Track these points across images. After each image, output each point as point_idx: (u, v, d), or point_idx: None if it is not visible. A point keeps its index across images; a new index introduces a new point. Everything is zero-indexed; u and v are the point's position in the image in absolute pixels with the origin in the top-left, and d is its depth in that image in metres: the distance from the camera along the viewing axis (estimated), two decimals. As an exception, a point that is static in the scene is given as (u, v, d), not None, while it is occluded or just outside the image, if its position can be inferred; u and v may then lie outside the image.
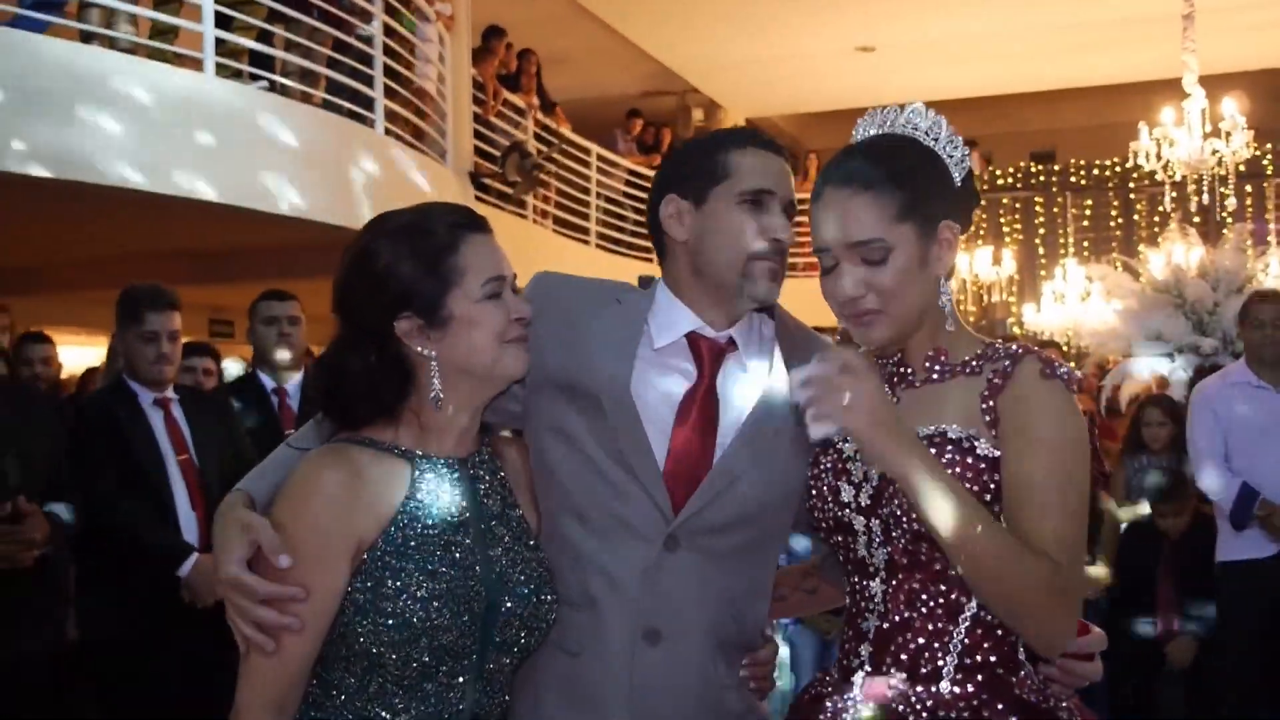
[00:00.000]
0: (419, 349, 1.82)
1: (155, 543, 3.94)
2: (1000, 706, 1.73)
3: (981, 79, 13.46)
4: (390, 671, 1.76)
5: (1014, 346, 1.83)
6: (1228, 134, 9.37)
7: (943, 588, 1.77)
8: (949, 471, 1.71)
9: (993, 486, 1.74)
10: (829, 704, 1.84)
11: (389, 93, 7.69)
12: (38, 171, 5.16)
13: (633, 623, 1.89)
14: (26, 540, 3.39)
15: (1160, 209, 11.54)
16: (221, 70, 6.22)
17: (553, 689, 1.91)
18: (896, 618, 1.79)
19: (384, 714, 1.77)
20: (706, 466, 1.92)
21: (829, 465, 1.89)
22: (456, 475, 1.86)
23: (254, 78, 6.61)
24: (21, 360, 5.30)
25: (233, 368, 5.89)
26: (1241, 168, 10.20)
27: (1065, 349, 11.16)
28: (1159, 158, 9.54)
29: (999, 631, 1.76)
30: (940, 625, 1.77)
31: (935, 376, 1.84)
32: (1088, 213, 14.31)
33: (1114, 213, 14.18)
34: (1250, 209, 12.51)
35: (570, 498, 1.93)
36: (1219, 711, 4.99)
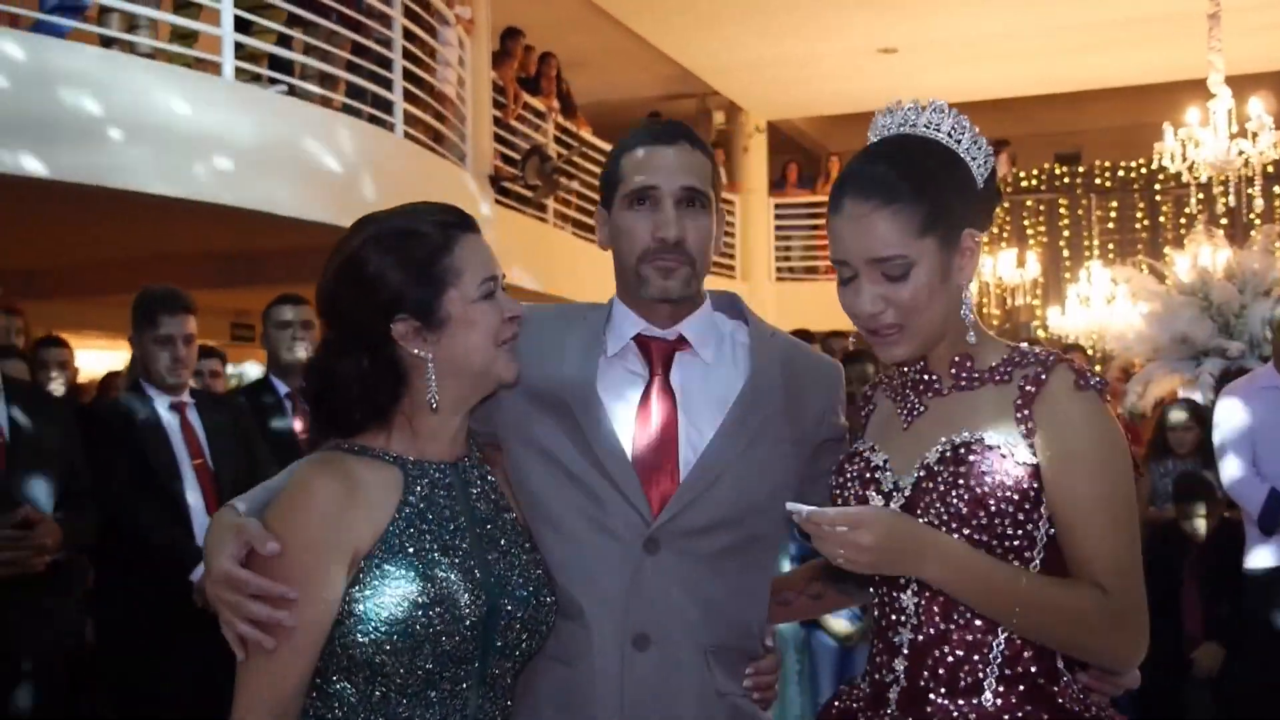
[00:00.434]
0: (415, 351, 1.81)
1: (166, 545, 3.92)
2: (1045, 717, 1.70)
3: (1005, 80, 13.37)
4: (394, 680, 1.74)
5: (1041, 352, 1.80)
6: (1254, 134, 9.26)
7: None
8: (988, 479, 1.69)
9: (1032, 494, 1.71)
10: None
11: (409, 96, 7.69)
12: (58, 176, 5.17)
13: (620, 629, 1.88)
14: (37, 546, 3.39)
15: (1186, 211, 11.43)
16: (240, 75, 6.22)
17: (548, 698, 1.90)
18: (932, 630, 1.75)
19: None
20: (671, 465, 1.92)
21: (855, 473, 1.86)
22: (449, 480, 1.85)
23: (273, 81, 6.61)
24: (37, 364, 5.33)
25: (253, 371, 5.91)
26: (1269, 168, 10.07)
27: (1090, 352, 11.07)
28: (1184, 159, 9.45)
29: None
30: (979, 636, 1.73)
31: (964, 384, 1.81)
32: (1113, 215, 14.18)
33: (1139, 215, 14.04)
34: (1278, 210, 12.37)
35: (547, 509, 1.93)
36: (1247, 716, 4.93)
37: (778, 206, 15.58)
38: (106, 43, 5.75)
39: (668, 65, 13.27)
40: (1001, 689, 1.72)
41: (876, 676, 1.81)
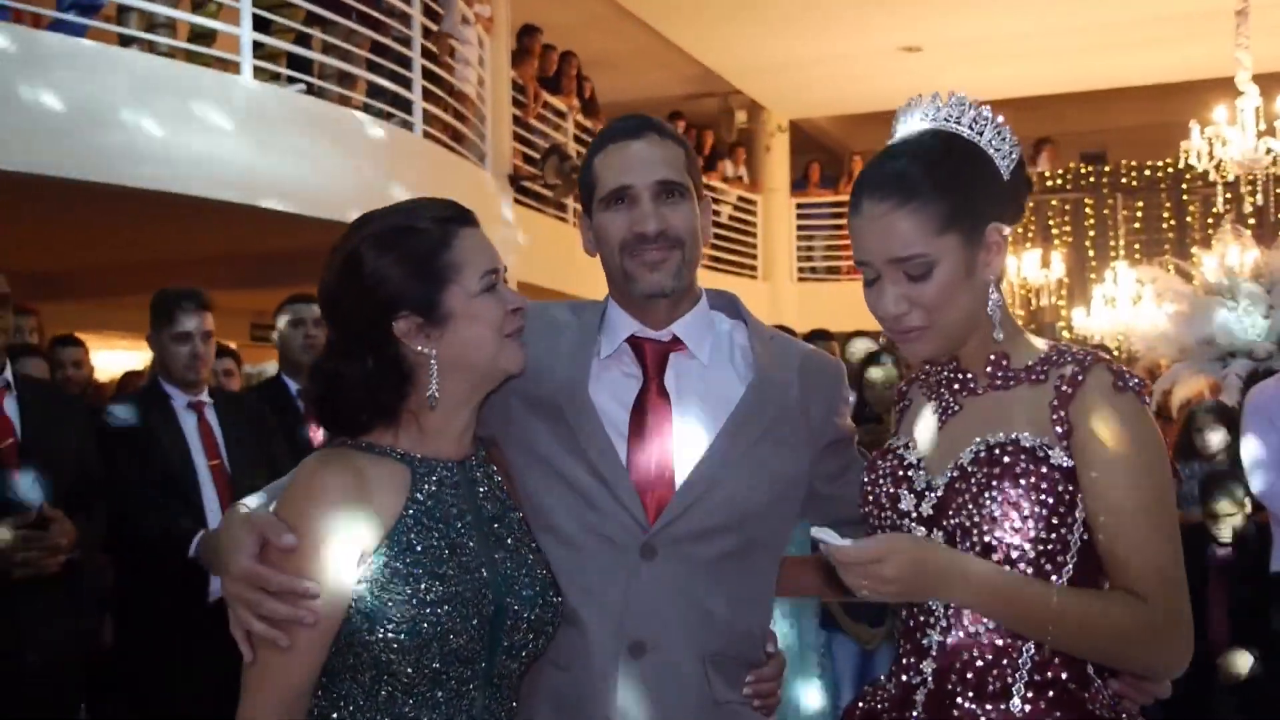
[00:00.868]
0: (419, 348, 1.79)
1: (157, 528, 3.87)
2: None
3: (1029, 79, 13.28)
4: (400, 680, 1.72)
5: (1078, 351, 1.76)
6: (1284, 132, 9.18)
7: None
8: (1022, 482, 1.66)
9: (1067, 498, 1.67)
10: None
11: (428, 95, 7.68)
12: (77, 175, 5.18)
13: (616, 636, 1.86)
14: (52, 546, 3.38)
15: (1213, 210, 11.33)
16: (259, 74, 6.22)
17: (545, 702, 1.89)
18: (961, 633, 1.72)
19: None
20: (667, 470, 1.90)
21: (887, 470, 1.83)
22: (456, 478, 1.84)
23: (291, 80, 6.61)
24: (53, 363, 5.35)
25: (274, 372, 5.92)
26: (1297, 167, 9.96)
27: (1116, 353, 10.97)
28: (1211, 157, 9.35)
29: None
30: (1009, 641, 1.70)
31: (999, 383, 1.77)
32: (1139, 214, 14.07)
33: (1166, 214, 13.93)
34: (1307, 209, 12.25)
35: (544, 514, 1.91)
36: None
37: (800, 206, 15.53)
38: (125, 42, 5.75)
39: (690, 64, 13.24)
40: (1030, 695, 1.68)
41: (904, 678, 1.78)
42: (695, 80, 13.96)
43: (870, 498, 1.84)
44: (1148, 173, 14.01)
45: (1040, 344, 1.80)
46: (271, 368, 6.03)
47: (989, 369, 1.78)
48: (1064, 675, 1.69)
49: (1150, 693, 1.78)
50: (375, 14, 7.18)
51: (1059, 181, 14.20)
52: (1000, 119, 1.77)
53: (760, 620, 1.98)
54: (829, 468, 2.02)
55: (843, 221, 16.41)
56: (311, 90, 6.69)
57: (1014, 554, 1.68)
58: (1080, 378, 1.70)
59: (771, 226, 15.28)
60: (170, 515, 3.90)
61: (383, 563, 1.72)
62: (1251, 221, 10.67)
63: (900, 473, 1.81)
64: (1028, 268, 12.53)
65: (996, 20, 11.73)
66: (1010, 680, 1.69)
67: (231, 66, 6.08)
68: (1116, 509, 1.66)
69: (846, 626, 4.91)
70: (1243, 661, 5.03)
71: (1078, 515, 1.68)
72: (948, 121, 1.77)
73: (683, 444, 1.91)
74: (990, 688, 1.69)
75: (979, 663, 1.70)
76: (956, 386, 1.82)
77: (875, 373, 5.59)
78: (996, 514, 1.67)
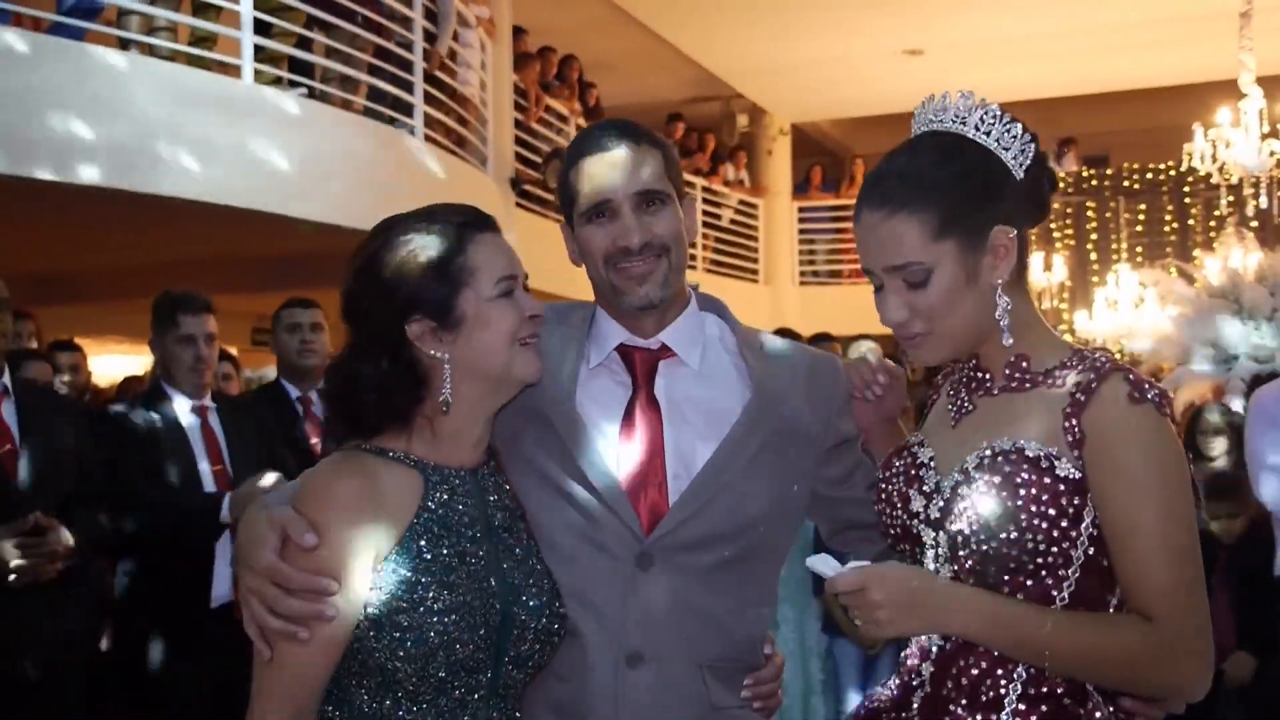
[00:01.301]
0: (432, 352, 1.78)
1: (191, 508, 3.90)
2: None
3: (1032, 82, 13.25)
4: (405, 687, 1.71)
5: (1100, 357, 1.71)
6: (1288, 135, 9.17)
7: None
8: (1022, 493, 1.62)
9: (1071, 511, 1.63)
10: None
11: (429, 99, 7.66)
12: (74, 179, 5.16)
13: (614, 647, 1.85)
14: (49, 553, 3.37)
15: (1216, 213, 11.31)
16: (260, 77, 6.21)
17: (547, 713, 1.88)
18: (960, 640, 1.69)
19: None
20: (659, 480, 1.88)
21: (901, 468, 1.81)
22: (468, 486, 1.83)
23: (293, 84, 6.59)
24: (51, 368, 5.31)
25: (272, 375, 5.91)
26: (1301, 169, 9.94)
27: (1119, 357, 10.94)
28: (1215, 159, 9.33)
29: None
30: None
31: (1014, 385, 1.74)
32: (1141, 217, 14.06)
33: (1168, 217, 13.91)
34: (1310, 212, 12.22)
35: (540, 525, 1.90)
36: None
37: (802, 210, 15.51)
38: (124, 45, 5.74)
39: (691, 68, 13.23)
40: (1023, 707, 1.65)
41: (905, 679, 1.77)
42: (697, 83, 13.95)
43: (883, 496, 1.82)
44: (1150, 176, 14.00)
45: (1065, 347, 1.76)
46: (271, 372, 6.02)
47: (1006, 369, 1.75)
48: (1060, 690, 1.66)
49: (1165, 709, 1.74)
50: (377, 18, 7.17)
51: (1061, 185, 14.17)
52: (1009, 117, 1.74)
53: (760, 626, 1.96)
54: (834, 471, 2.00)
55: (844, 225, 16.42)
56: (312, 94, 6.67)
57: (1011, 565, 1.65)
58: (1095, 386, 1.65)
59: (773, 230, 15.26)
60: (184, 497, 3.92)
61: (392, 569, 1.72)
62: (1254, 224, 10.65)
63: (912, 471, 1.79)
64: (1030, 271, 12.50)
65: (999, 23, 11.71)
66: (1003, 691, 1.66)
67: (232, 70, 6.07)
68: (1126, 526, 1.62)
69: (849, 631, 4.89)
70: (1247, 666, 5.00)
71: (1083, 529, 1.64)
72: (954, 123, 1.74)
73: (676, 453, 1.90)
74: (983, 697, 1.67)
75: (974, 670, 1.68)
76: (974, 385, 1.79)
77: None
78: (993, 524, 1.64)
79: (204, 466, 4.02)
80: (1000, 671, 1.66)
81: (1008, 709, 1.65)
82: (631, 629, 1.85)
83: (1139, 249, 13.85)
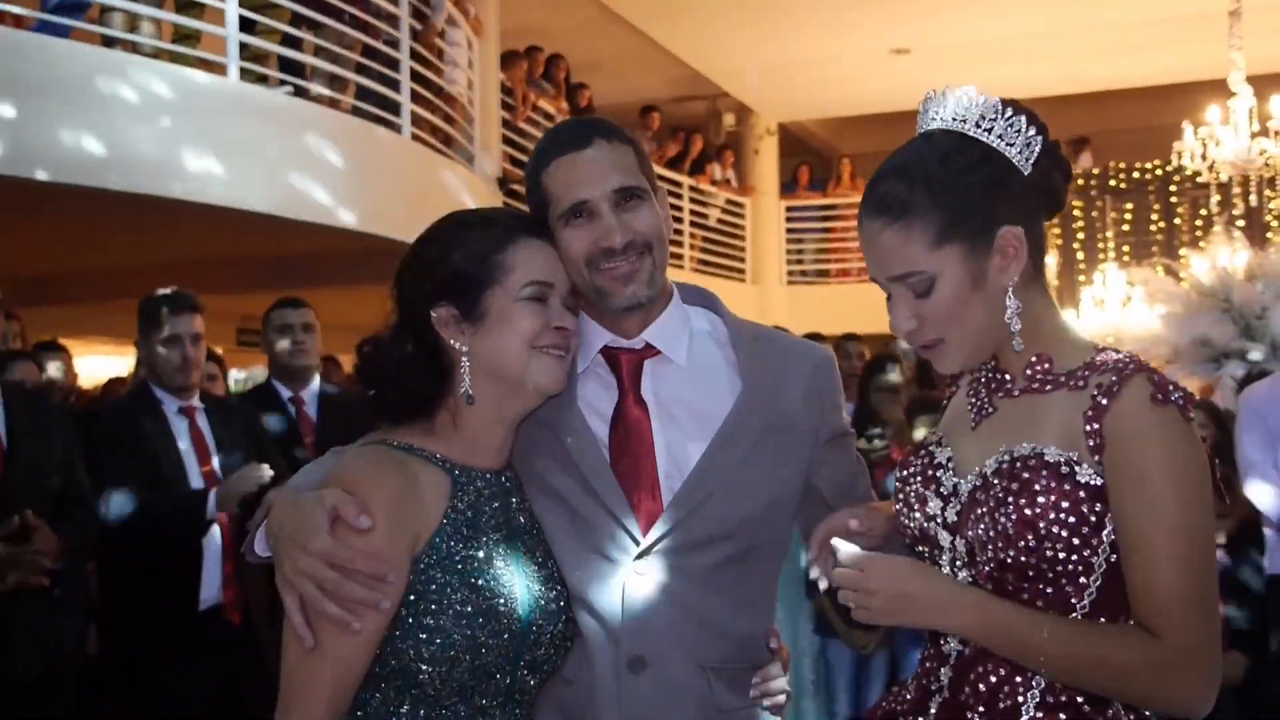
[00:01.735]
0: (452, 341, 1.79)
1: (176, 503, 3.86)
2: None
3: (1020, 81, 13.22)
4: (427, 690, 1.70)
5: (1123, 358, 1.64)
6: (1277, 133, 9.16)
7: None
8: (1041, 500, 1.58)
9: (1092, 518, 1.58)
10: None
11: (416, 97, 7.62)
12: (63, 178, 5.11)
13: (615, 650, 1.83)
14: (36, 556, 3.34)
15: (1203, 212, 11.34)
16: (246, 75, 6.15)
17: (550, 715, 1.87)
18: (978, 645, 1.66)
19: None
20: (652, 481, 1.87)
21: (919, 468, 1.77)
22: (494, 489, 1.83)
23: (280, 83, 6.55)
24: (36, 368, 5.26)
25: (264, 377, 5.88)
26: (1291, 167, 9.96)
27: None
28: (1204, 158, 9.34)
29: None
30: None
31: (1035, 386, 1.69)
32: (1128, 217, 14.08)
33: (1155, 216, 13.93)
34: (1298, 210, 12.26)
35: (543, 530, 1.88)
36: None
37: (789, 209, 15.50)
38: (108, 43, 5.68)
39: (678, 67, 13.20)
40: (1040, 715, 1.62)
41: (924, 682, 1.75)
42: (683, 83, 13.92)
43: (900, 496, 1.79)
44: (1136, 175, 14.02)
45: (1090, 347, 1.71)
46: (261, 373, 5.98)
47: (1027, 370, 1.71)
48: (1079, 698, 1.62)
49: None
50: (363, 16, 7.12)
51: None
52: (1012, 110, 1.69)
53: (762, 624, 1.95)
54: (831, 466, 1.98)
55: (832, 224, 16.33)
56: (299, 92, 6.63)
57: (1030, 573, 1.62)
58: (1117, 388, 1.59)
59: (760, 229, 15.24)
60: (168, 495, 3.88)
61: (420, 569, 1.70)
62: (1242, 223, 10.67)
63: (930, 472, 1.75)
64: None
65: (986, 23, 11.71)
66: (1020, 699, 1.63)
67: (218, 68, 6.02)
68: (1136, 534, 1.57)
69: (841, 632, 4.85)
70: (1239, 666, 5.00)
71: (1104, 536, 1.60)
72: (954, 121, 1.69)
73: (667, 453, 1.88)
74: (1001, 704, 1.64)
75: (992, 677, 1.65)
76: (994, 386, 1.75)
77: (882, 379, 5.56)
78: (1010, 532, 1.59)
79: (193, 467, 3.99)
80: (1019, 679, 1.63)
81: (1025, 716, 1.63)
82: (632, 632, 1.83)
83: (1125, 248, 13.87)
